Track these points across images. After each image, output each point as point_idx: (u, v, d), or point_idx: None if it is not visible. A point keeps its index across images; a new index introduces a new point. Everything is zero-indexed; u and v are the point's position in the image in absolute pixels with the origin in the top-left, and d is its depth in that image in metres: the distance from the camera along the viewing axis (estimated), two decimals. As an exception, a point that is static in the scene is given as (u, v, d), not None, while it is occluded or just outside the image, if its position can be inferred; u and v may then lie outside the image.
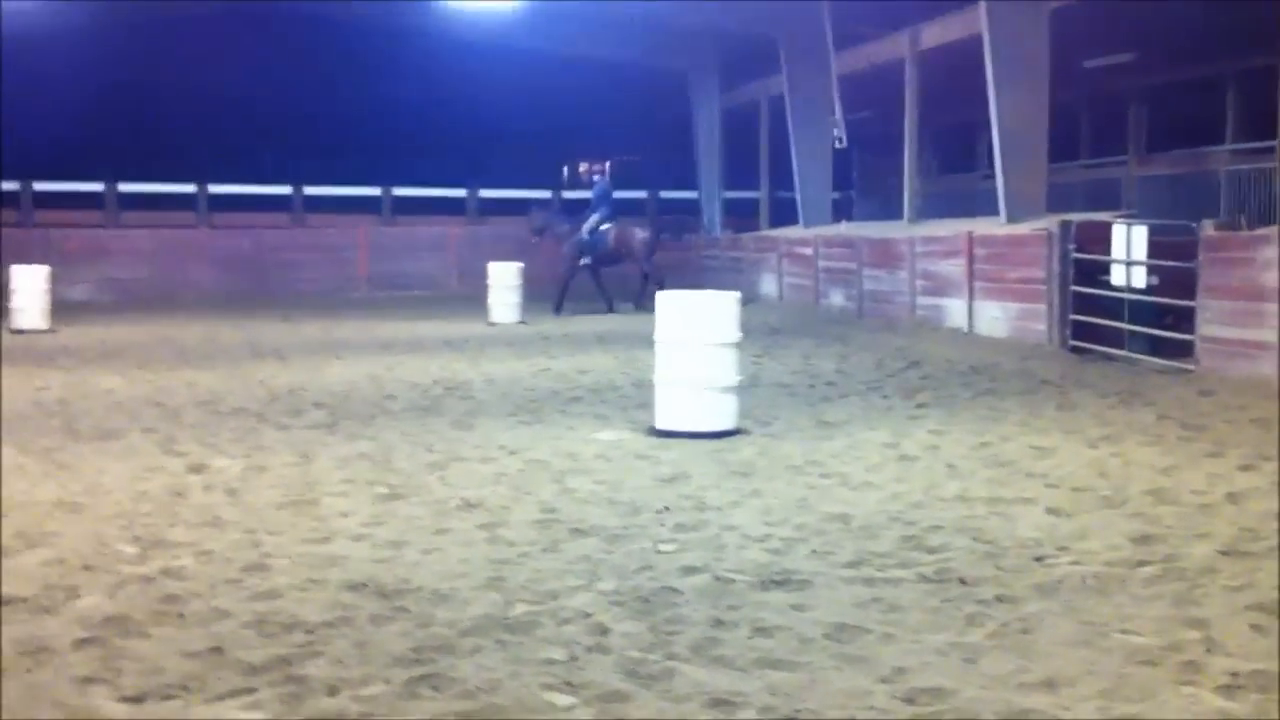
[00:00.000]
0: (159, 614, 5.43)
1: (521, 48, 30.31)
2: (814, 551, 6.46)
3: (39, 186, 30.06)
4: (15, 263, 20.79)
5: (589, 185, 31.65)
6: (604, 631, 5.21)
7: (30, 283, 20.39)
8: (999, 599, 5.59)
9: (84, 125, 29.79)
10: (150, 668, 4.78)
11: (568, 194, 35.27)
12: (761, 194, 31.18)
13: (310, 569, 6.14)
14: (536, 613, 5.44)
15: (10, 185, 29.72)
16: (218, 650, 4.95)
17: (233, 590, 5.80)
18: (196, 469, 8.71)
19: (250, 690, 4.54)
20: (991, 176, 20.12)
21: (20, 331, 19.69)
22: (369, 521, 7.16)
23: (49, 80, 29.06)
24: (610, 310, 22.82)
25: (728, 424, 9.92)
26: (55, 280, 21.03)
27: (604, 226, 23.03)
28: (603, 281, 23.48)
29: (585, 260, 22.87)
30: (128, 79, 31.06)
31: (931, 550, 6.46)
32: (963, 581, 5.85)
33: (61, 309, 21.14)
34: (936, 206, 25.43)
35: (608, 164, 23.60)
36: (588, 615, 5.40)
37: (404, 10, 29.43)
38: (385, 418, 11.09)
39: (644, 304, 21.93)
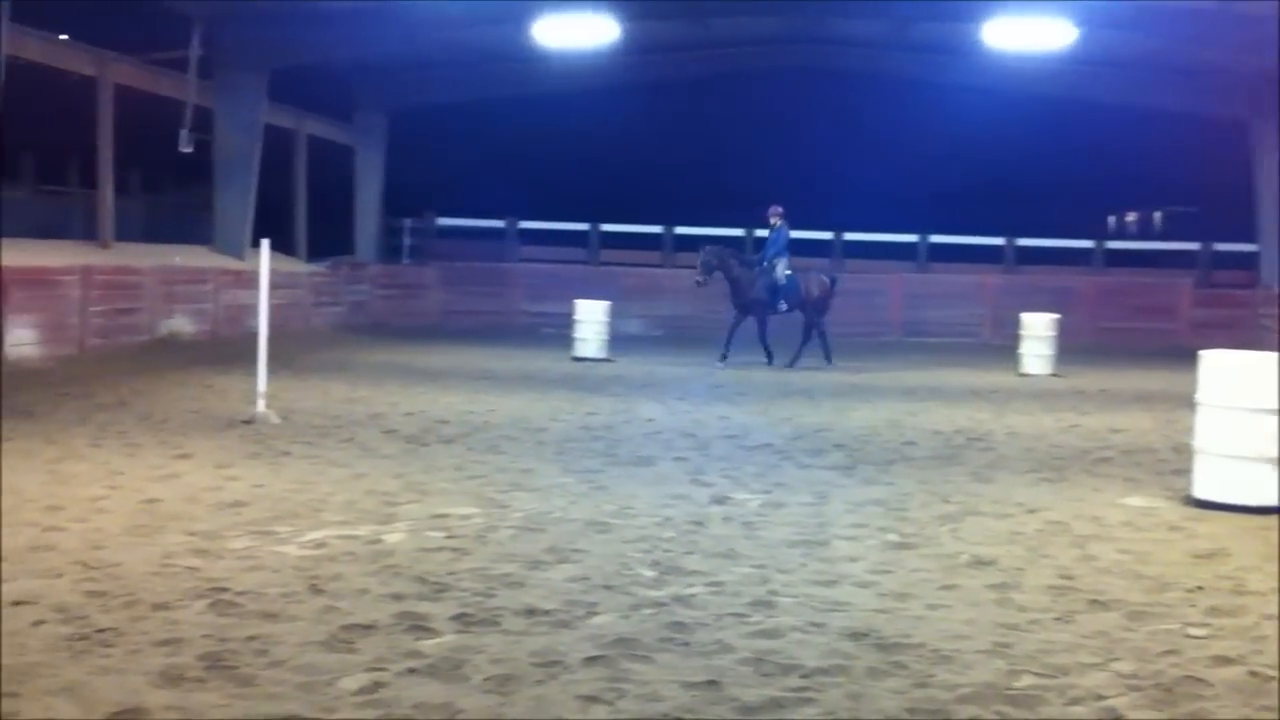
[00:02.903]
0: (665, 640, 5.65)
1: (1066, 97, 29.22)
2: (1377, 657, 5.66)
3: (606, 228, 32.73)
4: (580, 298, 22.56)
5: (1131, 236, 29.60)
6: (1116, 718, 4.82)
7: (592, 315, 22.06)
8: None
9: (646, 173, 32.11)
10: (649, 694, 4.97)
11: (1112, 244, 33.51)
12: (1332, 246, 28.16)
13: (814, 611, 6.17)
14: (1043, 687, 5.13)
15: (580, 226, 32.59)
16: (714, 684, 5.07)
17: (737, 624, 5.93)
18: (719, 500, 9.04)
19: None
20: None
21: (581, 360, 21.33)
22: (876, 569, 7.10)
23: (615, 131, 31.58)
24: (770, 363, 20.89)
25: (1277, 500, 8.94)
26: (614, 314, 22.62)
27: (788, 273, 21.29)
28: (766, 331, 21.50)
29: (784, 307, 21.16)
30: (681, 132, 33.12)
31: None
32: None
33: (618, 341, 22.60)
34: None
35: (780, 209, 21.11)
36: (1100, 698, 5.03)
37: (948, 63, 29.27)
38: (903, 464, 10.99)
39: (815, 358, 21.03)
